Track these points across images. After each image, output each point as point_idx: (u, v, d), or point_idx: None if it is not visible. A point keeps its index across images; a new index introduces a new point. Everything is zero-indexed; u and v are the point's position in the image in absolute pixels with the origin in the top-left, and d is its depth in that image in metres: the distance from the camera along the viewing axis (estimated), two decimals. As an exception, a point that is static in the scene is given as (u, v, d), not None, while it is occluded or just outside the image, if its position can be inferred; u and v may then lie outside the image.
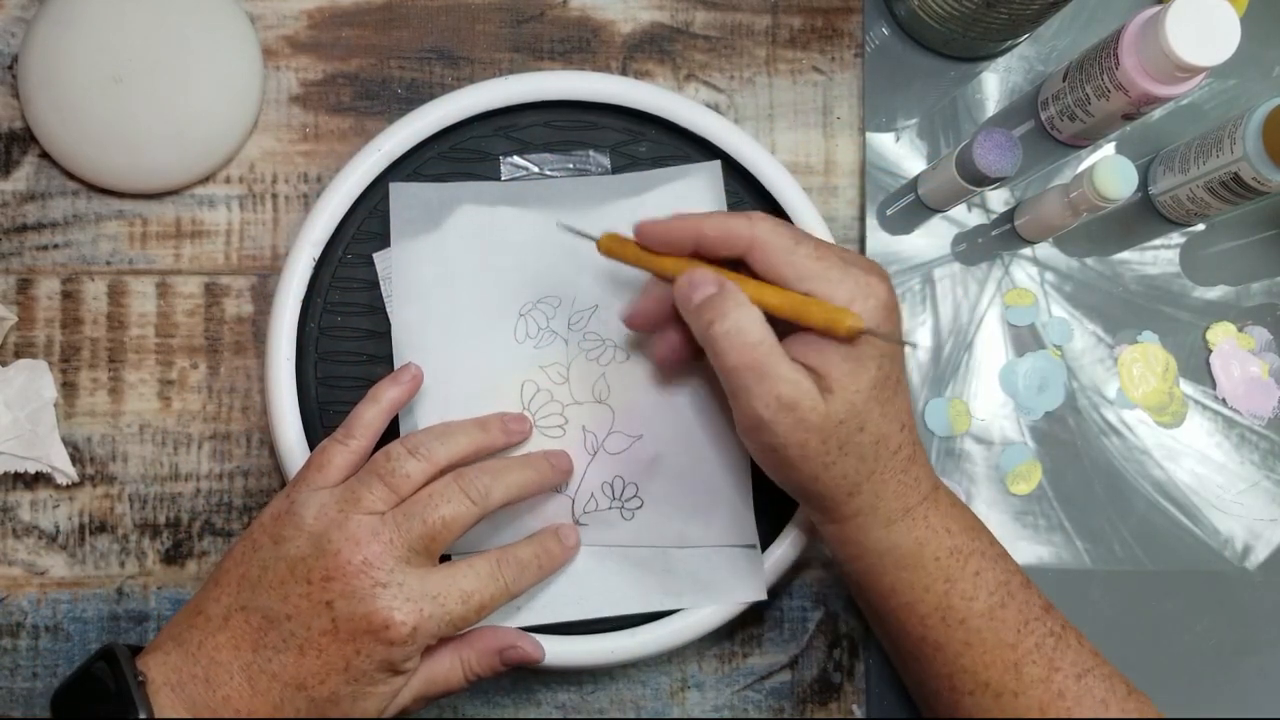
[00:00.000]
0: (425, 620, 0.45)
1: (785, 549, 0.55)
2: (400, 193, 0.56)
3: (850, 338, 0.44)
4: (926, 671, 0.50)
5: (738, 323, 0.45)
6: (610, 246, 0.50)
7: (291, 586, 0.45)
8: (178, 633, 0.46)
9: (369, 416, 0.50)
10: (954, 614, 0.48)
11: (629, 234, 0.49)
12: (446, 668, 0.48)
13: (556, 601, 0.53)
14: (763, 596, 0.54)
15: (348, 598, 0.44)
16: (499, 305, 0.55)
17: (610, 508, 0.54)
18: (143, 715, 0.43)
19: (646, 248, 0.49)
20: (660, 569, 0.54)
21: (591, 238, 0.50)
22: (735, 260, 0.47)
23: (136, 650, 0.46)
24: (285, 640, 0.45)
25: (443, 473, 0.49)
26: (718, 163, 0.58)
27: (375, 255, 0.56)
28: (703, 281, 0.47)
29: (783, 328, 0.46)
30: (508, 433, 0.53)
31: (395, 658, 0.45)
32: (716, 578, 0.54)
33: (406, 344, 0.54)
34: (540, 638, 0.53)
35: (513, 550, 0.50)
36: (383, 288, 0.56)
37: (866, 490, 0.47)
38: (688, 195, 0.57)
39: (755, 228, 0.46)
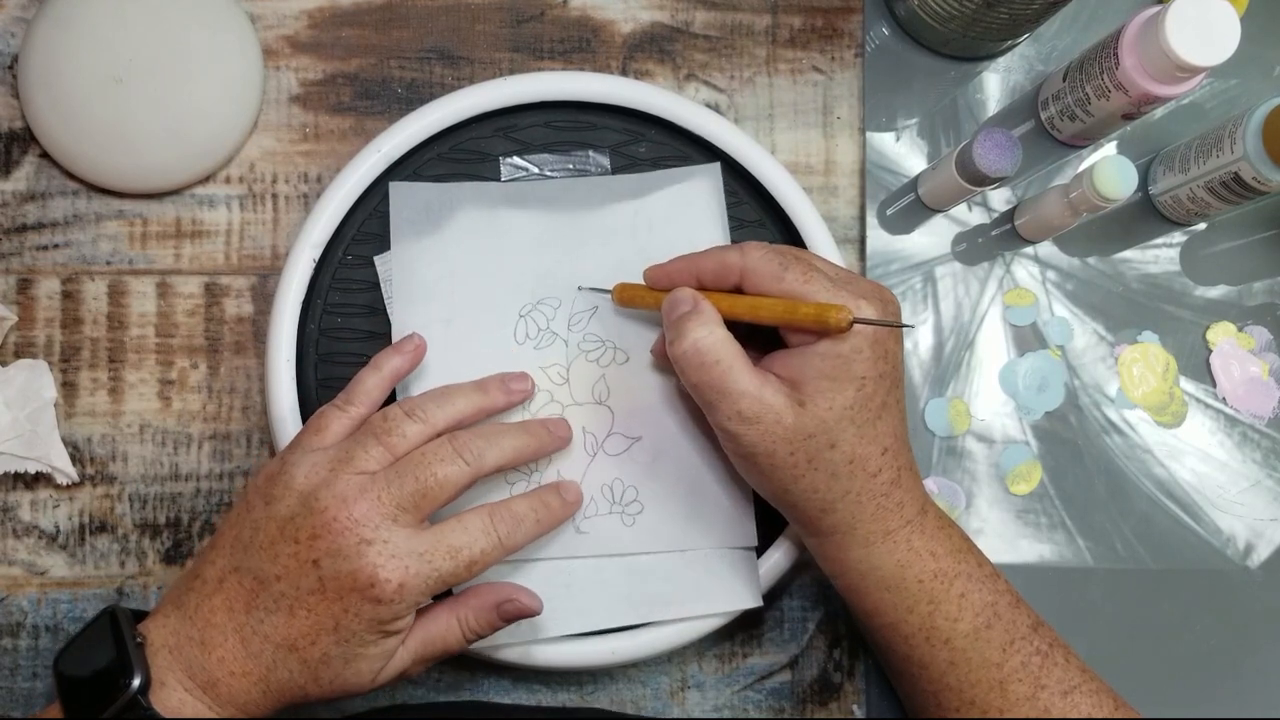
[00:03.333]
0: (412, 578, 0.44)
1: (785, 549, 0.55)
2: (400, 193, 0.56)
3: (841, 330, 0.44)
4: (914, 687, 0.50)
5: (695, 343, 0.46)
6: (624, 296, 0.53)
7: (281, 546, 0.45)
8: (176, 596, 0.46)
9: (370, 384, 0.50)
10: (938, 634, 0.48)
11: (630, 238, 0.53)
12: (444, 627, 0.48)
13: (559, 615, 0.53)
14: (758, 603, 0.54)
15: (334, 555, 0.44)
16: (499, 306, 0.55)
17: (611, 512, 0.53)
18: (139, 676, 0.43)
19: (655, 289, 0.51)
20: (660, 577, 0.54)
21: (607, 292, 0.54)
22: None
23: (141, 615, 0.46)
24: (276, 601, 0.44)
25: (441, 436, 0.48)
26: (717, 165, 0.58)
27: (376, 258, 0.56)
28: (680, 301, 0.48)
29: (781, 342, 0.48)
30: (508, 392, 0.52)
31: (383, 616, 0.44)
32: (715, 584, 0.54)
33: (407, 345, 0.54)
34: (542, 639, 0.53)
35: (508, 503, 0.48)
36: (383, 290, 0.56)
37: (841, 509, 0.47)
38: (687, 198, 0.57)
39: (746, 257, 0.48)
